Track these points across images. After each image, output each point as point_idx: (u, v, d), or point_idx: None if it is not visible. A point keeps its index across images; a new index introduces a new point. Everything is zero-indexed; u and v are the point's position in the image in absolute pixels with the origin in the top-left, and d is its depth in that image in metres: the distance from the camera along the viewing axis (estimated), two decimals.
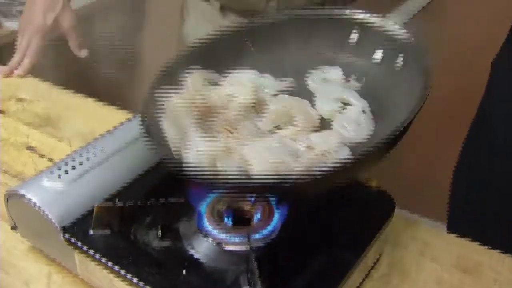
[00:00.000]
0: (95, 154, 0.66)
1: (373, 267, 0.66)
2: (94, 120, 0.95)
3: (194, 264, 0.55)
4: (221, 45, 0.68)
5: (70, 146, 0.87)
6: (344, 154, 0.54)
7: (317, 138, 0.56)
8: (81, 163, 0.65)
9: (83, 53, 1.17)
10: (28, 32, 1.09)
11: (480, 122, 1.04)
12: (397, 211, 0.65)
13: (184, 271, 0.55)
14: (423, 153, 1.84)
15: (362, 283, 0.63)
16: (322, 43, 0.68)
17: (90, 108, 0.99)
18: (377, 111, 0.60)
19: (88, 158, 0.66)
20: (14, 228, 0.66)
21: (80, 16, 1.20)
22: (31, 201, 0.59)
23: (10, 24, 1.44)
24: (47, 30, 1.09)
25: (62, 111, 0.98)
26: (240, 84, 0.62)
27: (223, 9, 1.12)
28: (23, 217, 0.64)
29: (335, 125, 0.59)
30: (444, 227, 1.11)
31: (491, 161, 0.99)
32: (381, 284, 0.64)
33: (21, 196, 0.60)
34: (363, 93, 0.63)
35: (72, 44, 1.15)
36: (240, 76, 0.65)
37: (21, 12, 1.55)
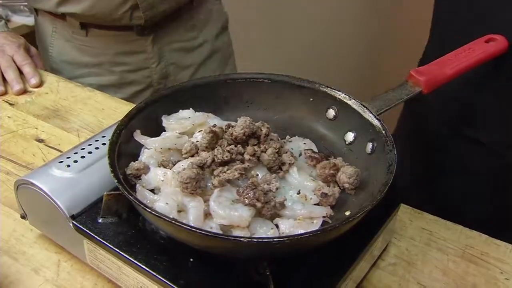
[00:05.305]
0: (103, 144, 0.67)
1: (380, 256, 0.66)
2: (102, 112, 0.96)
3: (202, 252, 0.56)
4: (196, 92, 0.70)
5: (79, 137, 0.88)
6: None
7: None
8: (89, 152, 0.66)
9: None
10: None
11: None
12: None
13: (191, 259, 0.55)
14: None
15: (369, 272, 0.64)
16: (301, 110, 0.71)
17: (98, 101, 0.99)
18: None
19: (97, 148, 0.66)
20: (23, 216, 0.66)
21: None
22: (41, 189, 0.60)
23: (18, 18, 1.47)
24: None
25: (70, 103, 0.98)
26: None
27: (85, 27, 1.09)
28: (33, 205, 0.64)
29: None
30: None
31: None
32: (388, 273, 0.65)
33: (31, 184, 0.61)
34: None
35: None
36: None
37: (29, 8, 1.57)
